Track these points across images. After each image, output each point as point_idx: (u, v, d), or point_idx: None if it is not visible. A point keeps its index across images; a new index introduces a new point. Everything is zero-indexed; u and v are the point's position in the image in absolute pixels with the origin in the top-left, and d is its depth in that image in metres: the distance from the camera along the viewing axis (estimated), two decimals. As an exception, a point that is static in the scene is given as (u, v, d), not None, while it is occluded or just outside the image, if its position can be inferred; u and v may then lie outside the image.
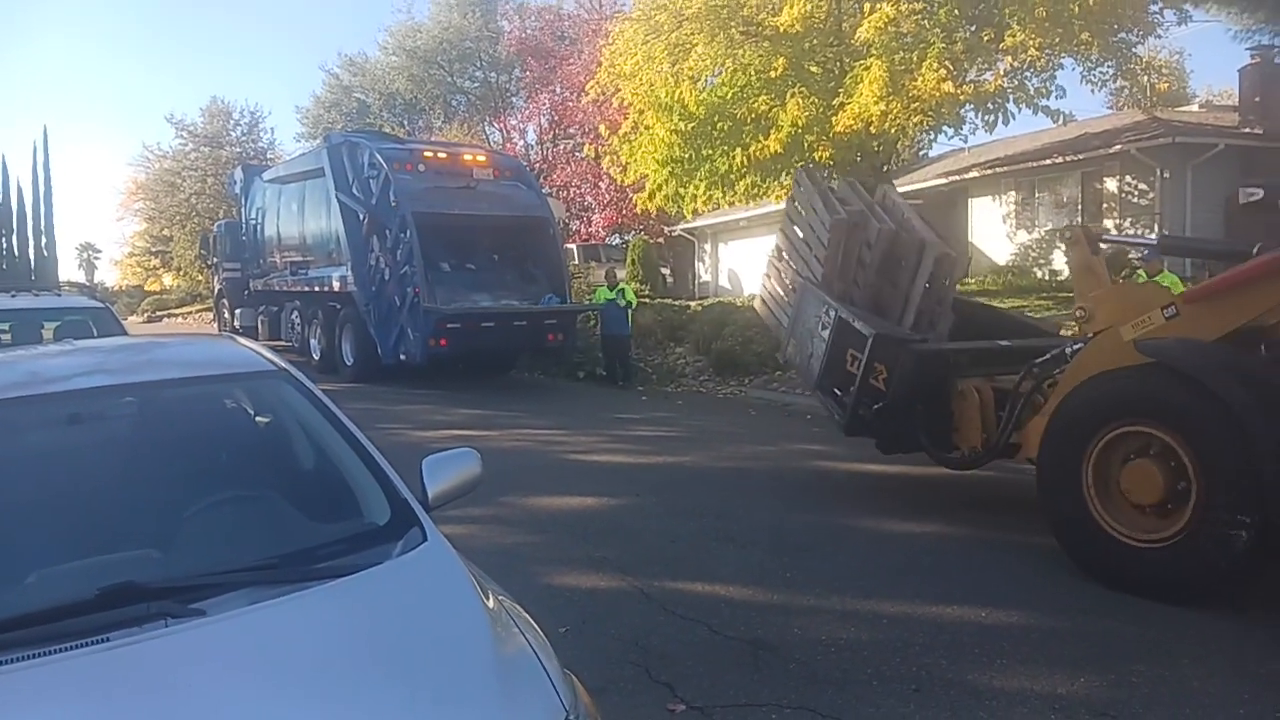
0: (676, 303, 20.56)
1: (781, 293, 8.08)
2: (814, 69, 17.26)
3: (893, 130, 15.84)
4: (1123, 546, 5.13)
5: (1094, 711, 3.74)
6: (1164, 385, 5.01)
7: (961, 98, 15.23)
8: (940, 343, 7.08)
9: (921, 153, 26.31)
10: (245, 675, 2.00)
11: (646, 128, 18.38)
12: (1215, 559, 4.70)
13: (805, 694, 3.91)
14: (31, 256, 28.67)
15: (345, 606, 2.29)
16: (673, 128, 18.04)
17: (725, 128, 17.11)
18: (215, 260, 22.90)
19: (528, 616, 2.50)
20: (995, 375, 6.78)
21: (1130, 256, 9.15)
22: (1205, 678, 4.03)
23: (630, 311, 15.38)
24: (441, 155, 15.72)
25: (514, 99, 39.87)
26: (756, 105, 16.63)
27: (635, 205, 21.76)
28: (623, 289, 15.44)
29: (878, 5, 15.59)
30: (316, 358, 16.90)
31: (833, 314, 7.01)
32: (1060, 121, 16.07)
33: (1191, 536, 4.82)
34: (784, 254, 8.06)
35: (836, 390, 7.12)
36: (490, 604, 2.43)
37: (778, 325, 8.22)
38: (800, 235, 7.89)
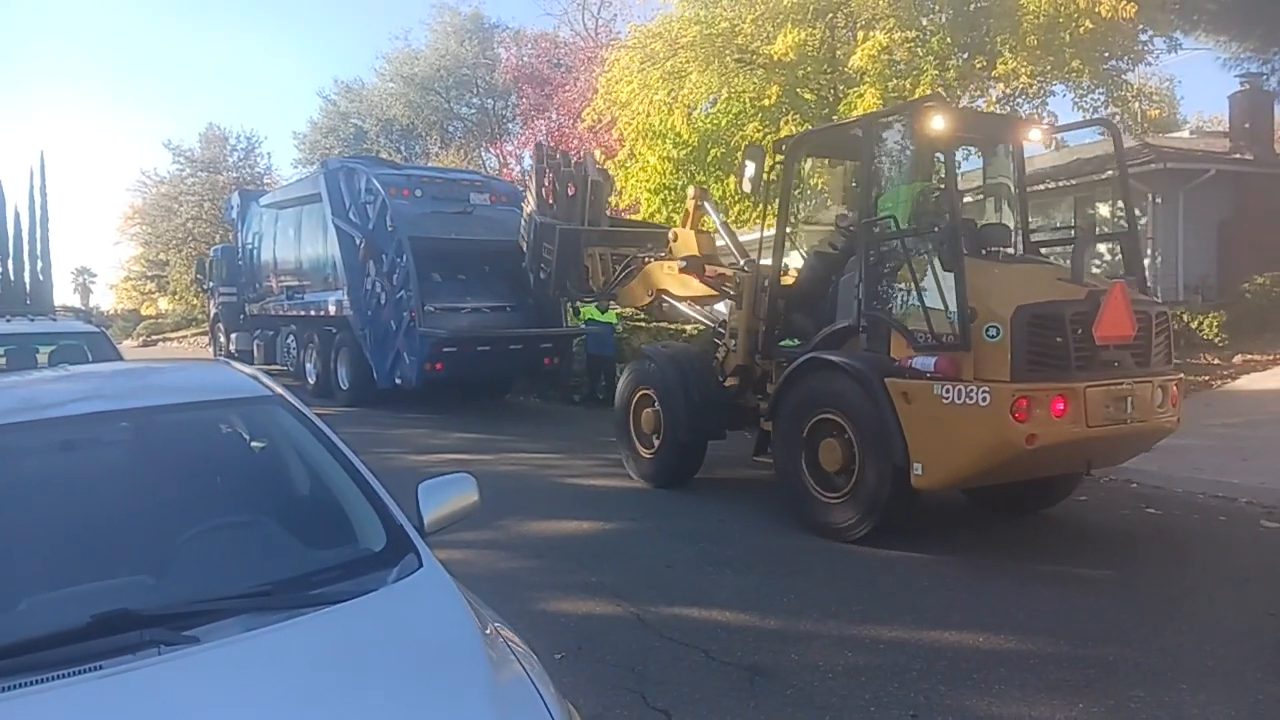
0: (671, 326, 20.58)
1: (524, 217, 12.27)
2: (808, 96, 17.42)
3: (886, 156, 15.94)
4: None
5: (1092, 738, 3.73)
6: (651, 366, 8.84)
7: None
8: (578, 226, 11.08)
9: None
10: (239, 703, 1.99)
11: (640, 155, 18.52)
12: None
13: (802, 721, 3.88)
14: (27, 281, 28.65)
15: (340, 633, 2.27)
16: (665, 155, 18.17)
17: (719, 154, 17.23)
18: (211, 285, 22.85)
19: (523, 643, 2.48)
20: (617, 248, 10.82)
21: None
22: (1203, 704, 4.01)
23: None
24: (438, 181, 15.78)
25: (510, 125, 40.09)
26: (750, 132, 16.75)
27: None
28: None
29: (871, 33, 15.75)
30: (312, 382, 16.87)
31: (533, 218, 11.35)
32: (1052, 147, 16.21)
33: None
34: (527, 189, 12.53)
35: (532, 268, 11.46)
36: (486, 631, 2.42)
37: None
38: (531, 179, 12.43)
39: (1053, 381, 5.98)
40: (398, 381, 14.21)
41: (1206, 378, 13.18)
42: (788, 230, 8.11)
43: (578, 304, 15.86)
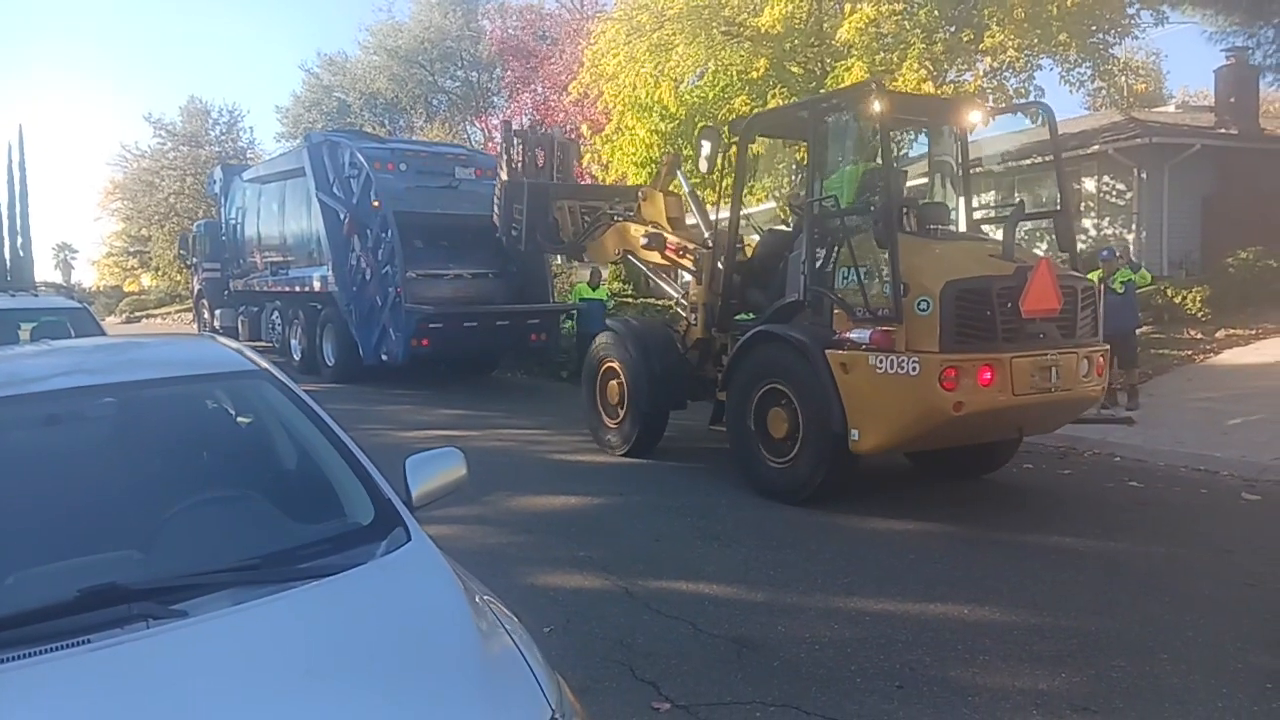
0: (659, 303, 20.59)
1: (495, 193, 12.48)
2: (795, 69, 17.32)
3: (873, 130, 15.91)
4: None
5: (1075, 707, 3.78)
6: (616, 339, 9.16)
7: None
8: (548, 183, 11.87)
9: (902, 152, 26.42)
10: (227, 677, 1.98)
11: (628, 128, 18.42)
12: None
13: (789, 691, 3.92)
14: (7, 257, 28.35)
15: (329, 607, 2.27)
16: (652, 128, 18.08)
17: (706, 127, 17.14)
18: (194, 260, 22.68)
19: (513, 616, 2.49)
20: (585, 202, 11.35)
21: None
22: (1184, 674, 4.07)
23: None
24: (423, 155, 15.66)
25: (495, 98, 39.80)
26: (737, 105, 16.66)
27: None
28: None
29: (858, 6, 15.65)
30: (297, 358, 16.80)
31: (504, 186, 11.73)
32: (1038, 121, 16.18)
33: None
34: (499, 166, 12.56)
35: (504, 232, 11.82)
36: (475, 604, 2.42)
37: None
38: (501, 154, 12.55)
39: (980, 352, 6.33)
40: (384, 358, 14.16)
41: (1189, 352, 13.27)
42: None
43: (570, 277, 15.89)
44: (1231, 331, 14.01)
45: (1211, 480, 7.87)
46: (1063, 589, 5.17)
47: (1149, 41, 28.18)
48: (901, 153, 12.97)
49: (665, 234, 9.55)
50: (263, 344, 17.87)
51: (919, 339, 6.39)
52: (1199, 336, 14.03)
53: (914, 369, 6.27)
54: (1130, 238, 17.19)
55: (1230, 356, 13.04)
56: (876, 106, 6.96)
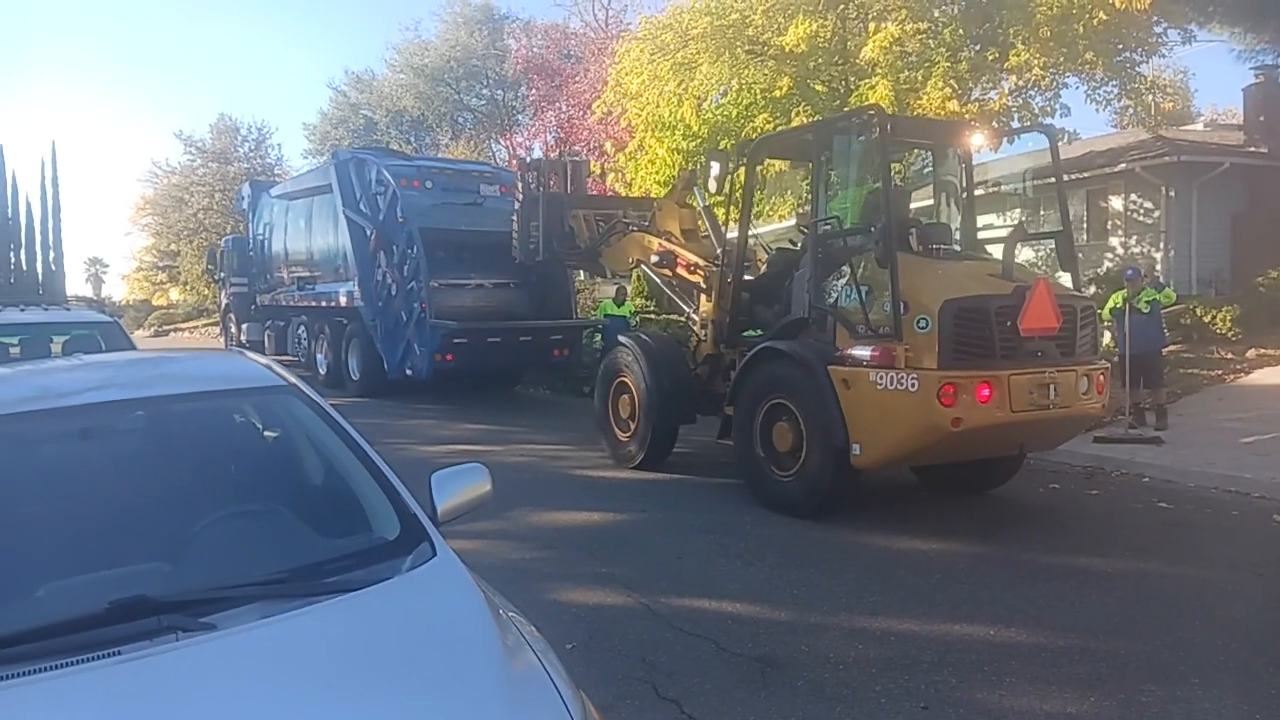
0: (680, 319, 20.57)
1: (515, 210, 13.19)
2: (819, 88, 17.34)
3: (898, 148, 15.88)
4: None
5: (1104, 731, 3.72)
6: (628, 354, 9.27)
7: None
8: (563, 194, 12.39)
9: (926, 170, 26.34)
10: (255, 689, 2.00)
11: (649, 148, 18.49)
12: None
13: (813, 712, 3.89)
14: (40, 271, 28.83)
15: (355, 621, 2.28)
16: (674, 146, 18.14)
17: (729, 146, 17.18)
18: (222, 275, 22.96)
19: (537, 632, 2.49)
20: (599, 211, 11.89)
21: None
22: (1215, 699, 4.00)
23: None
24: (448, 172, 15.80)
25: (520, 116, 40.05)
26: (760, 124, 16.69)
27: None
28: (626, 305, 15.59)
29: (882, 25, 15.66)
30: (323, 372, 16.92)
31: (523, 207, 12.49)
32: (1065, 140, 16.12)
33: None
34: (515, 197, 13.41)
35: (523, 250, 12.52)
36: (500, 619, 2.42)
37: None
38: (519, 181, 13.43)
39: (978, 369, 6.45)
40: (408, 372, 14.25)
41: (1219, 372, 13.12)
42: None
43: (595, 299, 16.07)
44: (1262, 351, 13.85)
45: (1242, 502, 7.75)
46: (1090, 611, 5.10)
47: (1176, 60, 28.05)
48: (916, 170, 13.12)
49: (676, 252, 9.72)
50: (288, 358, 18.03)
51: (918, 356, 6.51)
52: (1229, 356, 13.87)
53: (913, 385, 6.39)
54: (1159, 256, 17.04)
55: (1261, 376, 12.89)
56: (878, 130, 7.15)
